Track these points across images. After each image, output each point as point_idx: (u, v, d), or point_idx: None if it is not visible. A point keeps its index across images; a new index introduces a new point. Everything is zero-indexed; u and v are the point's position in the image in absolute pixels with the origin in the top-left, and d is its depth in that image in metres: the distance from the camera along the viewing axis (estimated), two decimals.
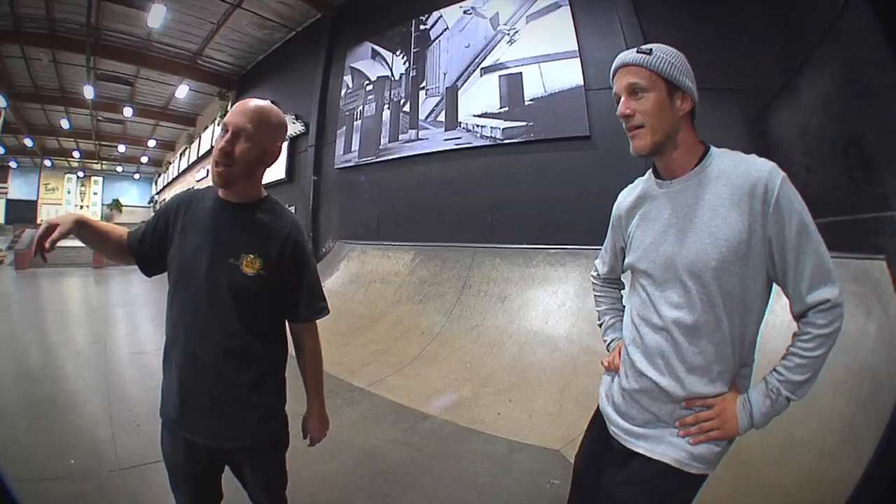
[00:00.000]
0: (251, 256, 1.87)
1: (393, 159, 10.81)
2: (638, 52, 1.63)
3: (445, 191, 9.65)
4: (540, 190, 8.16)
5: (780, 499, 3.07)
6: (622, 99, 1.65)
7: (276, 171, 15.15)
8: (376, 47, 11.78)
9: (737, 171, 1.55)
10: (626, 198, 1.93)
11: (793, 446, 2.96)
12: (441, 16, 10.26)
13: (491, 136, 8.87)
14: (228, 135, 1.79)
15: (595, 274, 2.29)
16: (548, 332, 6.40)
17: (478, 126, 9.13)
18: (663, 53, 1.62)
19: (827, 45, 4.37)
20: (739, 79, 6.02)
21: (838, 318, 1.49)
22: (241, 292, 1.87)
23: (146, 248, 2.03)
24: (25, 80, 20.02)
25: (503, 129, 8.69)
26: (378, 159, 11.14)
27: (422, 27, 10.67)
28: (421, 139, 10.20)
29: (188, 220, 1.97)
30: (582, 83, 7.83)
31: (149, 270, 2.09)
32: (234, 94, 20.14)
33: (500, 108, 8.83)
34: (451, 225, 9.36)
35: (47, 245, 1.71)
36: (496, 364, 6.12)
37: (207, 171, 22.44)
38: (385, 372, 6.26)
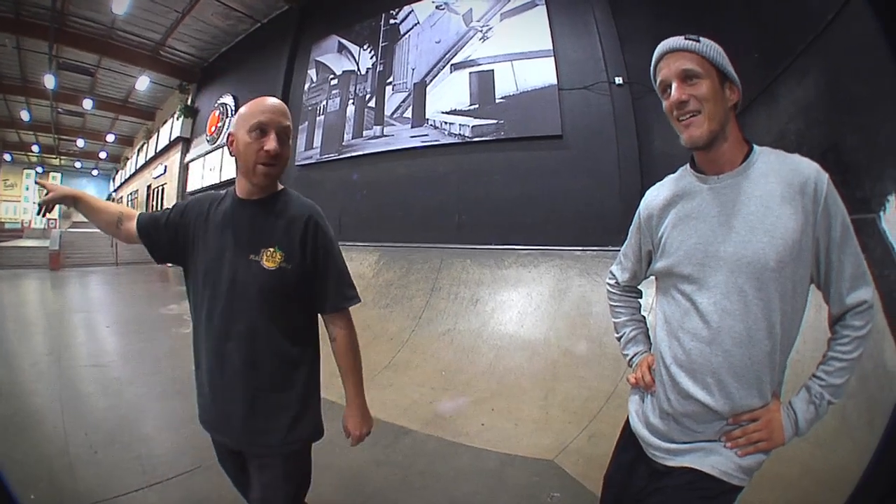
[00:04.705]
0: (271, 250, 1.83)
1: (356, 156, 10.49)
2: (686, 38, 1.52)
3: (411, 189, 9.40)
4: (510, 189, 8.04)
5: (782, 490, 3.01)
6: (675, 85, 1.53)
7: (234, 169, 14.77)
8: (343, 41, 11.43)
9: (785, 167, 1.48)
10: (656, 195, 1.77)
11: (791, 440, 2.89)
12: (412, 10, 10.04)
13: (460, 134, 8.70)
14: (274, 135, 1.78)
15: (613, 282, 2.09)
16: (524, 335, 6.17)
17: (446, 123, 8.95)
18: (711, 43, 1.53)
19: (810, 55, 4.41)
20: None
21: (872, 318, 1.47)
22: (264, 289, 1.82)
23: (157, 233, 2.02)
24: None
25: (472, 126, 8.52)
26: (341, 156, 10.80)
27: (392, 21, 10.41)
28: (386, 136, 9.94)
29: (210, 223, 1.94)
30: (555, 82, 7.75)
31: (157, 255, 2.08)
32: (194, 87, 19.69)
33: (470, 105, 8.66)
34: (418, 225, 9.09)
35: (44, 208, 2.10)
36: (473, 371, 5.82)
37: (165, 167, 22.62)
38: None
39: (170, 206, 2.12)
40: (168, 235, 2.01)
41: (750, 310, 1.47)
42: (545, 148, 7.79)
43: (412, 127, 9.51)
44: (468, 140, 8.59)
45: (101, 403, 5.04)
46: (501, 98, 8.32)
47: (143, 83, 20.49)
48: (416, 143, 9.37)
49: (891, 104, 3.27)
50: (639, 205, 1.86)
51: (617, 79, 7.29)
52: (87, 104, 23.10)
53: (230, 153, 1.88)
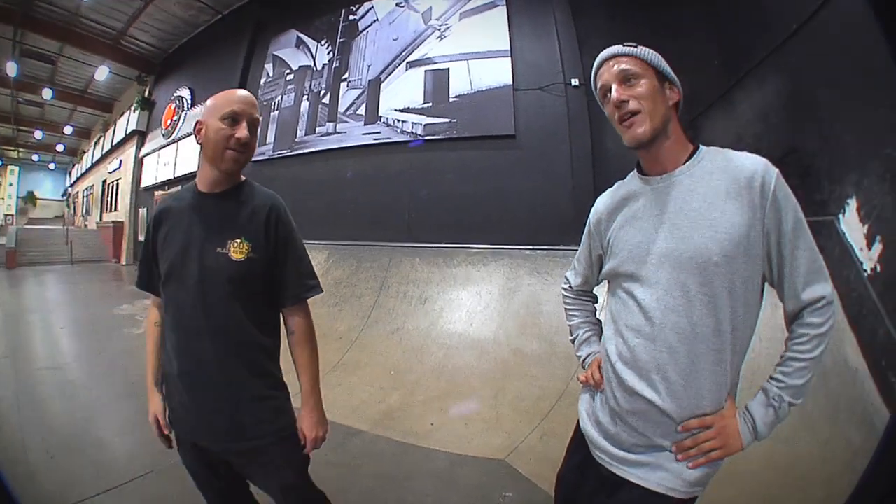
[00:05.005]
0: (238, 241, 1.83)
1: (308, 153, 10.25)
2: (624, 46, 1.57)
3: (362, 187, 9.22)
4: (461, 188, 7.96)
5: (746, 485, 3.00)
6: (615, 87, 1.54)
7: (188, 164, 14.46)
8: (301, 36, 11.21)
9: (731, 164, 1.47)
10: (605, 200, 1.79)
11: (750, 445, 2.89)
12: (372, 7, 9.92)
13: (412, 132, 8.57)
14: (246, 125, 1.80)
15: (566, 286, 2.11)
16: (473, 334, 6.13)
17: (399, 121, 8.82)
18: (648, 48, 1.57)
19: (771, 63, 4.56)
20: None
21: (832, 315, 1.42)
22: (234, 280, 1.80)
23: (151, 269, 1.99)
24: None
25: (425, 124, 8.40)
26: (293, 153, 10.54)
27: (351, 17, 10.26)
28: (339, 132, 9.74)
29: (171, 222, 1.91)
30: (510, 82, 7.72)
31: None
32: (152, 78, 19.17)
33: (424, 103, 8.55)
34: (368, 223, 8.91)
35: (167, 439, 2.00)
36: (422, 370, 5.76)
37: (120, 161, 22.09)
38: None
39: (146, 234, 2.06)
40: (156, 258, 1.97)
41: (694, 305, 1.45)
42: (498, 147, 7.73)
43: (365, 124, 9.33)
44: (420, 138, 8.46)
45: (56, 407, 4.99)
46: (455, 97, 8.23)
47: (102, 73, 19.85)
48: (368, 140, 9.20)
49: (853, 112, 3.41)
50: (590, 210, 1.87)
51: (573, 80, 7.27)
52: (47, 94, 22.22)
53: (197, 141, 1.86)
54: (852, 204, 3.38)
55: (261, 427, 1.89)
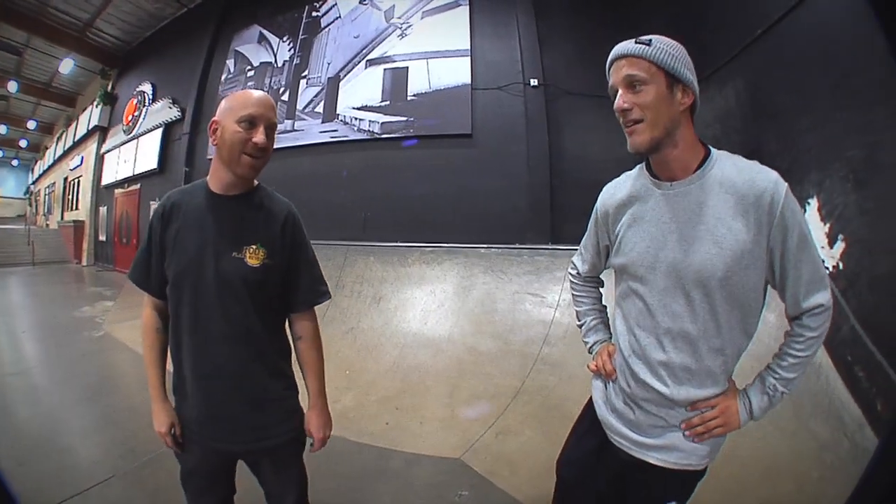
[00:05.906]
0: (254, 247, 1.79)
1: None
2: (637, 42, 1.47)
3: (318, 186, 8.95)
4: (417, 187, 7.80)
5: (710, 479, 2.91)
6: (619, 93, 1.50)
7: (147, 161, 13.89)
8: (264, 31, 10.88)
9: (742, 178, 1.45)
10: (613, 194, 1.78)
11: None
12: (335, 3, 9.65)
13: (369, 130, 8.36)
14: (263, 129, 1.73)
15: (574, 272, 2.14)
16: (428, 333, 6.06)
17: (356, 119, 8.59)
18: (663, 44, 1.47)
19: (734, 66, 4.73)
20: None
21: (827, 320, 1.49)
22: (250, 285, 1.78)
23: (161, 277, 1.86)
24: None
25: (382, 123, 8.20)
26: None
27: (314, 14, 9.97)
28: (297, 130, 9.45)
29: (182, 221, 1.83)
30: (469, 82, 7.58)
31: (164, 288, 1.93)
32: (115, 72, 18.49)
33: (382, 101, 8.34)
34: (323, 222, 8.49)
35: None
36: (376, 369, 5.64)
37: (82, 158, 21.26)
38: None
39: (146, 237, 1.95)
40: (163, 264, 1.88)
41: (697, 314, 1.51)
42: (454, 146, 7.59)
43: (322, 122, 9.08)
44: (377, 137, 8.27)
45: (22, 413, 4.90)
46: (413, 96, 8.04)
47: (66, 66, 19.03)
48: (325, 138, 8.94)
49: (813, 115, 3.60)
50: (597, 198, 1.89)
51: (532, 80, 7.14)
52: (12, 87, 21.30)
53: (212, 141, 1.80)
54: (813, 203, 3.52)
55: (280, 426, 1.93)
